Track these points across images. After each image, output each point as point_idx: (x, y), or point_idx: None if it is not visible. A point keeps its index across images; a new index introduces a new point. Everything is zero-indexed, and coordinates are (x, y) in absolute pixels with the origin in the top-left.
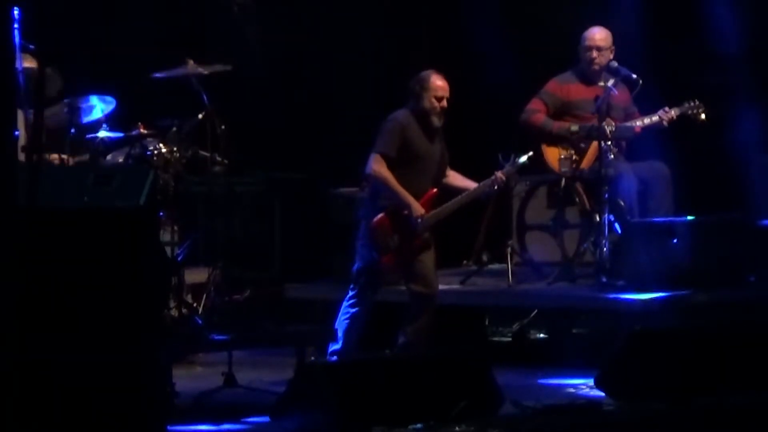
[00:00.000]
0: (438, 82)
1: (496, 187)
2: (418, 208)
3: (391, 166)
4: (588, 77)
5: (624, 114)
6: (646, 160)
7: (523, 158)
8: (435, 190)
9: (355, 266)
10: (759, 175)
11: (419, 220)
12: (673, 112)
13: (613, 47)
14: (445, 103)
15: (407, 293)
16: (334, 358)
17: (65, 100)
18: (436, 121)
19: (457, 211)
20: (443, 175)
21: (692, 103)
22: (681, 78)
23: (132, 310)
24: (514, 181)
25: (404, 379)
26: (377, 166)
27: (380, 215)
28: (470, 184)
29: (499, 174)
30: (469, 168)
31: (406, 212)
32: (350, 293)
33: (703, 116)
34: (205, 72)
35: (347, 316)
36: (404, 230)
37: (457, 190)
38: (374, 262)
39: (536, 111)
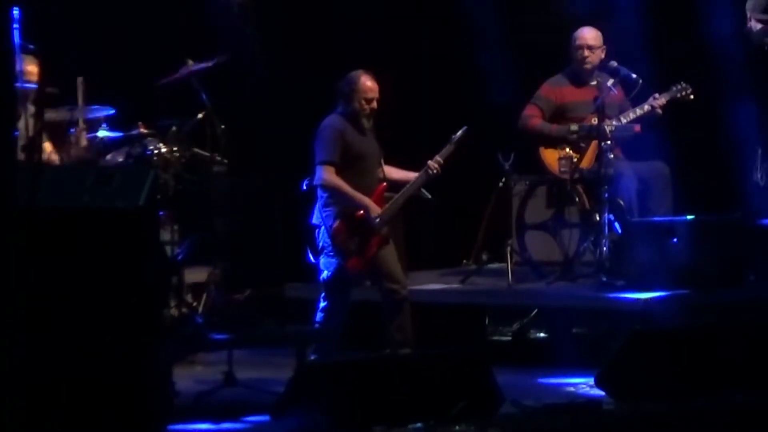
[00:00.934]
0: (368, 83)
1: (435, 171)
2: (375, 208)
3: (337, 172)
4: (580, 77)
5: (618, 111)
6: (646, 160)
7: (458, 134)
8: (384, 185)
9: (323, 277)
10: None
11: (377, 219)
12: (663, 98)
13: (604, 46)
14: (375, 104)
15: (379, 293)
16: None
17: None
18: (366, 123)
19: (407, 202)
20: (381, 170)
21: (679, 86)
22: (681, 78)
23: (132, 310)
24: (512, 181)
25: (404, 378)
26: (327, 175)
27: (337, 221)
28: (409, 175)
29: (431, 162)
30: (469, 168)
31: (362, 213)
32: (323, 304)
33: (691, 96)
34: (209, 64)
35: (325, 327)
36: (362, 231)
37: (398, 183)
38: (341, 268)
39: (532, 116)
